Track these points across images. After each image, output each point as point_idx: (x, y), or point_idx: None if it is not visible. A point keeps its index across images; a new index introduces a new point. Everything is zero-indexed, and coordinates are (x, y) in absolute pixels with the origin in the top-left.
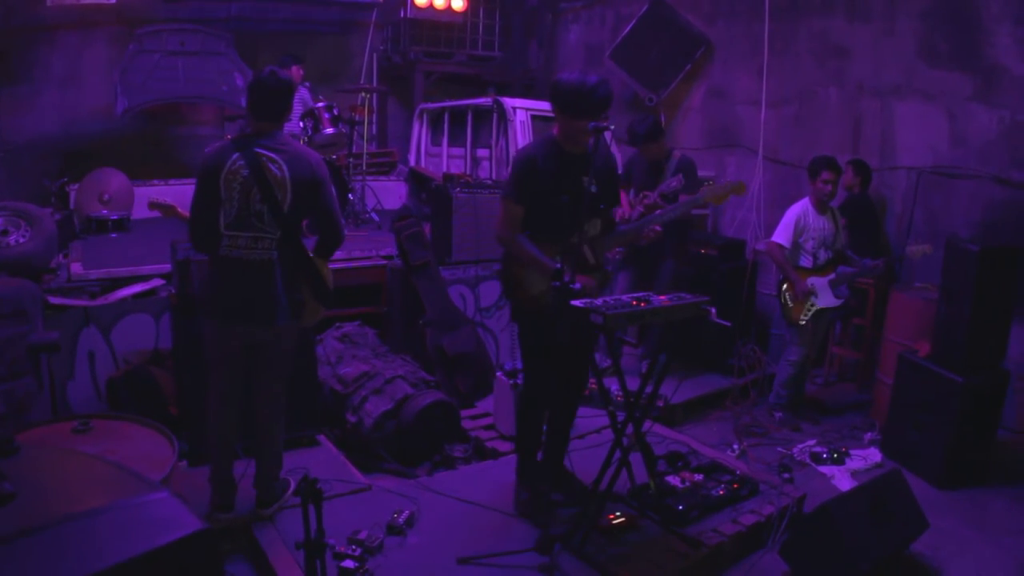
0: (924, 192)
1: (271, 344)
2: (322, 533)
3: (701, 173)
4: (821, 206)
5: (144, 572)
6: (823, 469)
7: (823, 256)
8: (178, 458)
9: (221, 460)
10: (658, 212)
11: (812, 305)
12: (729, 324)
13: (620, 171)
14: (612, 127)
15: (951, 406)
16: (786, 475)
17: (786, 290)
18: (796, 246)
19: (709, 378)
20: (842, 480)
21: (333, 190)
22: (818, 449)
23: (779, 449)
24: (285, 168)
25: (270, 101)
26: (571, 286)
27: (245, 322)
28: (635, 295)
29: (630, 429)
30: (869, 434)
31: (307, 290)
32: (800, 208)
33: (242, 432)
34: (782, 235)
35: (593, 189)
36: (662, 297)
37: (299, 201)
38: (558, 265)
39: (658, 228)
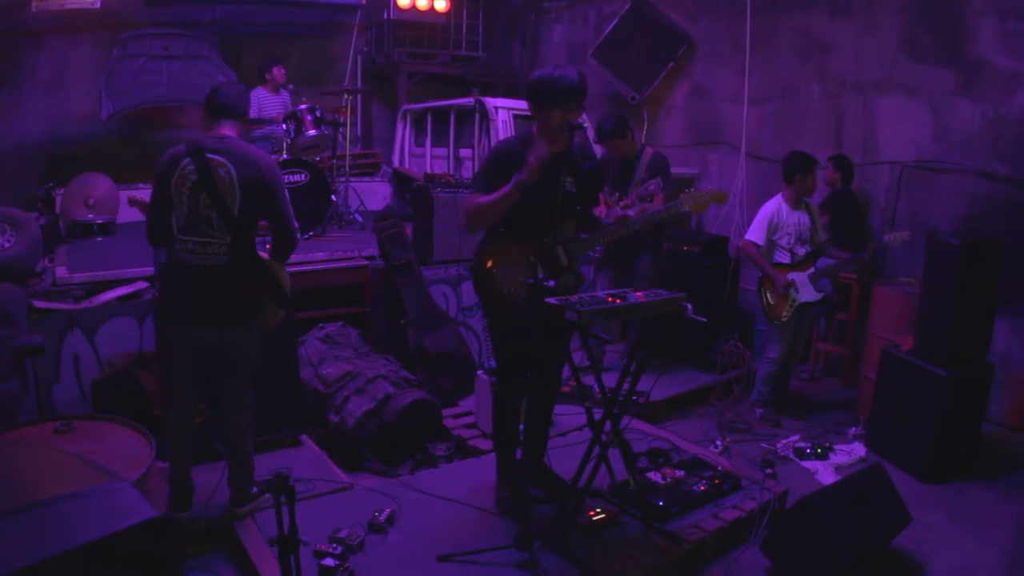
0: (907, 186)
1: (229, 348)
2: (295, 529)
3: (685, 171)
4: (796, 202)
5: (100, 557)
6: (807, 464)
7: (801, 251)
8: (158, 458)
9: (177, 461)
10: (633, 218)
11: (794, 301)
12: (705, 320)
13: None
14: (586, 125)
15: (935, 400)
16: (769, 470)
17: (766, 287)
18: (771, 243)
19: (692, 374)
20: (825, 475)
21: (285, 193)
22: (802, 444)
23: (762, 445)
24: (233, 171)
25: (223, 104)
26: (545, 283)
27: (200, 326)
28: (611, 291)
29: (608, 426)
30: (853, 429)
31: (264, 294)
32: (773, 205)
33: (218, 433)
34: (755, 233)
35: (572, 189)
36: (638, 293)
37: (249, 204)
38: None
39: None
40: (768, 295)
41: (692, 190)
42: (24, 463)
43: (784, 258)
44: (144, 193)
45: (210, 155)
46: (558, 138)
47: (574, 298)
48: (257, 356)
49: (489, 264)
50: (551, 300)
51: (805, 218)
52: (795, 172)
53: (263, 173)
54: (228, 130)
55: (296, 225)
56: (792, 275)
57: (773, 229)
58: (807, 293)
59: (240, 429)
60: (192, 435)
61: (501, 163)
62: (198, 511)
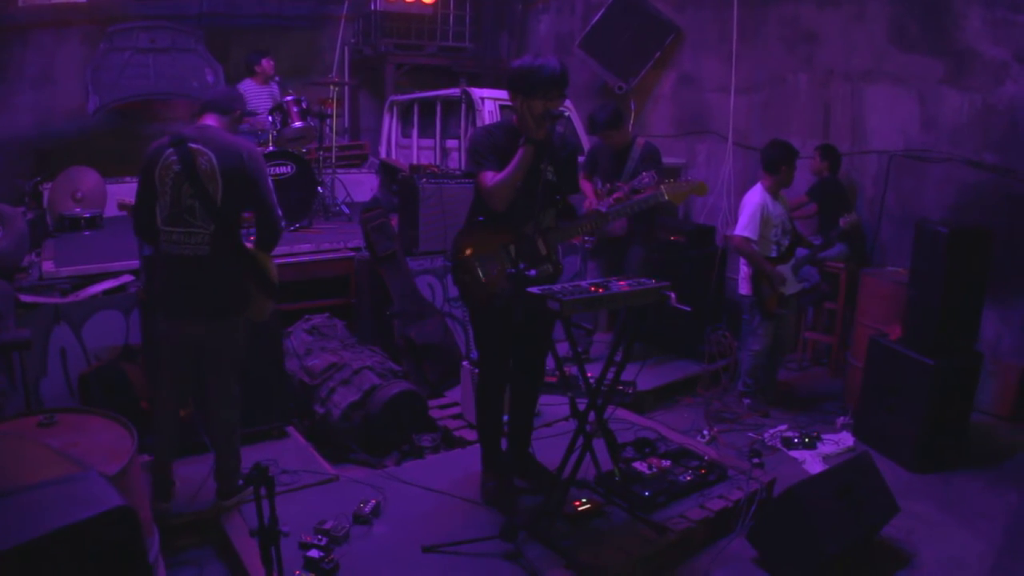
0: (895, 176)
1: (216, 341)
2: (275, 520)
3: (672, 160)
4: (776, 192)
5: (65, 545)
6: (794, 454)
7: (785, 243)
8: (142, 450)
9: (161, 453)
10: (614, 207)
11: (782, 294)
12: (689, 309)
13: (585, 159)
14: (567, 114)
15: (922, 389)
16: (756, 460)
17: (763, 283)
18: (764, 239)
19: (680, 364)
20: (813, 464)
21: (269, 182)
22: (789, 434)
23: (750, 434)
24: (214, 159)
25: (207, 100)
26: (526, 273)
27: (187, 317)
28: (593, 281)
29: (593, 416)
30: (841, 418)
31: (251, 285)
32: (759, 197)
33: (205, 426)
34: (749, 228)
35: (552, 178)
36: (621, 283)
37: (231, 193)
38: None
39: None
40: (763, 291)
41: (672, 181)
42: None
43: (772, 252)
44: (130, 189)
45: (192, 145)
46: (540, 127)
47: (556, 287)
48: (244, 350)
49: (468, 253)
50: (533, 290)
51: (783, 209)
52: (781, 162)
53: (244, 162)
54: (211, 121)
55: (280, 214)
56: (780, 268)
57: (764, 223)
58: (791, 285)
59: (228, 423)
60: (177, 427)
61: (490, 139)
62: (186, 504)
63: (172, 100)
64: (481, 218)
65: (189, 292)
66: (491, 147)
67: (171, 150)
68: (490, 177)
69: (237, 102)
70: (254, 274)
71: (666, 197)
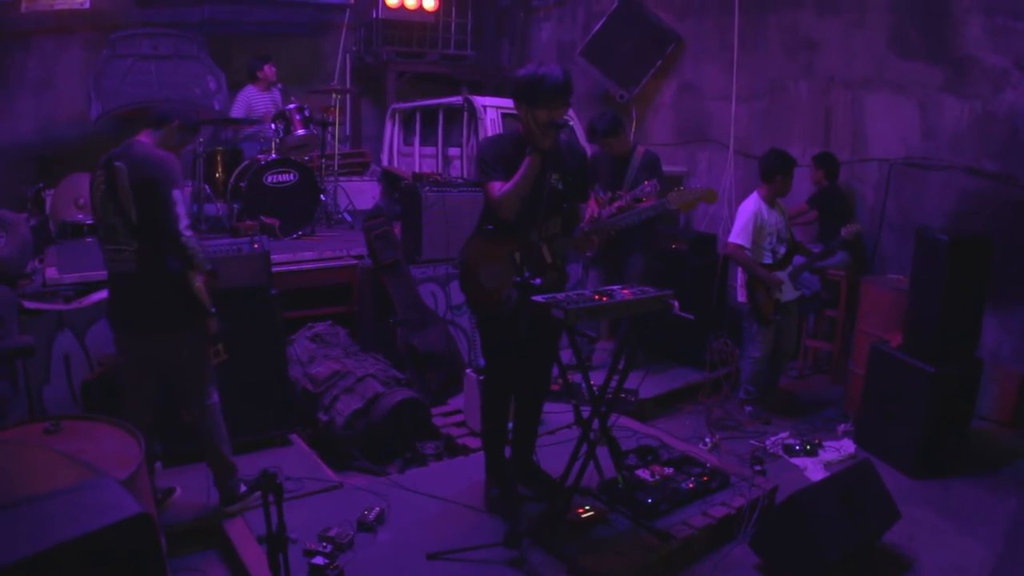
0: (896, 184)
1: (169, 353)
2: (283, 527)
3: (673, 169)
4: (772, 201)
5: (85, 552)
6: (796, 461)
7: (781, 251)
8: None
9: None
10: (620, 216)
11: (777, 301)
12: (692, 317)
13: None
14: (569, 123)
15: (923, 396)
16: (758, 467)
17: (756, 289)
18: (758, 247)
19: (681, 372)
20: (815, 472)
21: (173, 192)
22: (791, 441)
23: (752, 442)
24: (127, 174)
25: (146, 115)
26: (531, 281)
27: (130, 333)
28: (597, 289)
29: (597, 424)
30: (843, 425)
31: (186, 302)
32: (754, 205)
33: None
34: (742, 236)
35: (558, 186)
36: (625, 291)
37: (144, 206)
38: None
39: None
40: (758, 297)
41: (680, 188)
42: (10, 461)
43: (767, 259)
44: None
45: (116, 163)
46: (545, 136)
47: (561, 296)
48: (200, 362)
49: (474, 261)
50: (538, 298)
51: (780, 217)
52: (777, 171)
53: (151, 171)
54: (144, 137)
55: (181, 227)
56: (776, 274)
57: (758, 230)
58: (787, 292)
59: (208, 431)
60: (150, 438)
61: (499, 148)
62: (192, 511)
63: None
64: (490, 226)
65: (126, 308)
66: (498, 157)
67: (101, 170)
68: (497, 187)
69: (175, 113)
70: (182, 293)
71: (673, 206)
